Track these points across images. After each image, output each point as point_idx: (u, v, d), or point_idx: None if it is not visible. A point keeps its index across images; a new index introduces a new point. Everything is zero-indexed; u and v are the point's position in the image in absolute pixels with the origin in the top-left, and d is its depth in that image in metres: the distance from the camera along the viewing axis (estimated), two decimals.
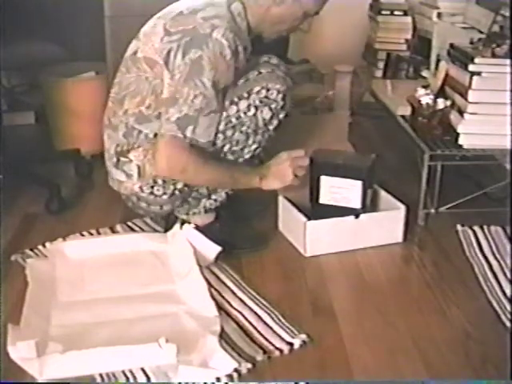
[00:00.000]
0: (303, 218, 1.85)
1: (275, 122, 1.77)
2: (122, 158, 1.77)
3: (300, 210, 1.89)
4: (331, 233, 1.87)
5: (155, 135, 1.69)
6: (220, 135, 1.71)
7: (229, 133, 1.72)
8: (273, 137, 1.80)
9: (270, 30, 1.76)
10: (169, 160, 1.64)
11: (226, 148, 1.74)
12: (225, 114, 1.70)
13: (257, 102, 1.72)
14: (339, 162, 1.88)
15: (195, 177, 1.70)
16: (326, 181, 1.87)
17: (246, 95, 1.71)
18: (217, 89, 1.62)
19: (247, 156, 1.78)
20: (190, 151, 1.64)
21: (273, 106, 1.73)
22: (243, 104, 1.71)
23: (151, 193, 1.77)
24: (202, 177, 1.71)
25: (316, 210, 1.90)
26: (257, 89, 1.71)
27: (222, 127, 1.71)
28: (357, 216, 1.88)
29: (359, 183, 1.84)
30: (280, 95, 1.73)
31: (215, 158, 1.73)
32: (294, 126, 2.37)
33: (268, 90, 1.72)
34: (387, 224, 1.92)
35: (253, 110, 1.72)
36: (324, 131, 2.48)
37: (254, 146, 1.77)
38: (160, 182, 1.75)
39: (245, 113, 1.72)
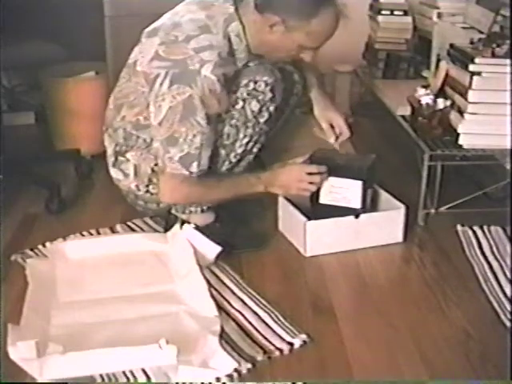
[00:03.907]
0: (303, 218, 1.85)
1: (265, 114, 1.76)
2: (120, 157, 1.83)
3: (300, 210, 1.89)
4: (331, 233, 1.87)
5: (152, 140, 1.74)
6: None
7: (219, 127, 1.73)
8: (266, 131, 1.80)
9: (268, 55, 1.76)
10: (172, 193, 1.77)
11: (218, 142, 1.75)
12: None
13: (244, 95, 1.72)
14: (339, 162, 1.88)
15: (199, 201, 1.83)
16: (326, 181, 1.87)
17: (234, 88, 1.72)
18: (212, 121, 1.66)
19: (239, 150, 1.78)
20: (191, 182, 1.71)
21: (260, 97, 1.73)
22: (231, 97, 1.72)
23: (147, 191, 1.83)
24: (206, 199, 1.82)
25: (316, 210, 1.90)
26: (244, 82, 1.72)
27: None
28: (357, 216, 1.87)
29: (359, 183, 1.84)
30: (268, 87, 1.73)
31: (217, 175, 1.78)
32: (294, 126, 2.37)
33: (256, 82, 1.72)
34: (387, 224, 1.92)
35: (241, 103, 1.73)
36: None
37: (246, 140, 1.78)
38: (155, 180, 1.79)
39: (233, 106, 1.72)
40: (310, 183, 1.82)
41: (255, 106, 1.73)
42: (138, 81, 1.71)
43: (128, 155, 1.81)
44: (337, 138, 1.94)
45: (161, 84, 1.63)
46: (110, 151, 1.86)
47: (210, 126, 1.65)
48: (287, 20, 1.64)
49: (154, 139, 1.71)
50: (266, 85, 1.73)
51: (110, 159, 1.86)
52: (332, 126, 1.95)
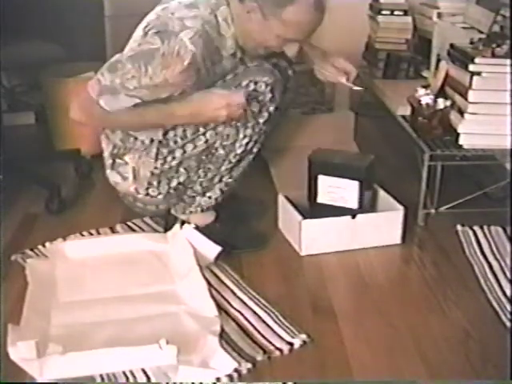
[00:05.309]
0: (299, 217, 1.85)
1: (265, 114, 1.75)
2: (118, 160, 1.81)
3: (299, 210, 1.89)
4: (327, 232, 1.86)
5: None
6: (210, 131, 1.72)
7: (219, 128, 1.73)
8: (265, 131, 1.79)
9: (248, 45, 1.72)
10: (83, 111, 1.67)
11: (218, 143, 1.75)
12: None
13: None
14: (337, 162, 1.88)
15: (111, 122, 1.71)
16: (323, 180, 1.87)
17: (232, 88, 1.71)
18: (156, 83, 1.59)
19: (239, 150, 1.78)
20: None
21: (260, 98, 1.72)
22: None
23: (147, 194, 1.82)
24: (123, 120, 1.68)
25: (314, 210, 1.90)
26: (245, 82, 1.71)
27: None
28: (353, 216, 1.87)
29: (356, 183, 1.84)
30: (268, 88, 1.72)
31: None
32: (294, 126, 2.37)
33: (256, 83, 1.71)
34: (385, 225, 1.91)
35: None
36: (327, 131, 2.47)
37: (245, 140, 1.77)
38: (155, 183, 1.79)
39: None
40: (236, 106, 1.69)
41: (255, 106, 1.73)
42: None
43: (126, 158, 1.79)
44: (347, 78, 1.91)
45: (141, 31, 1.64)
46: (107, 153, 1.83)
47: (151, 82, 1.58)
48: (263, 6, 1.60)
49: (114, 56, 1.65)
50: (267, 85, 1.72)
51: (108, 161, 1.83)
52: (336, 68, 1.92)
